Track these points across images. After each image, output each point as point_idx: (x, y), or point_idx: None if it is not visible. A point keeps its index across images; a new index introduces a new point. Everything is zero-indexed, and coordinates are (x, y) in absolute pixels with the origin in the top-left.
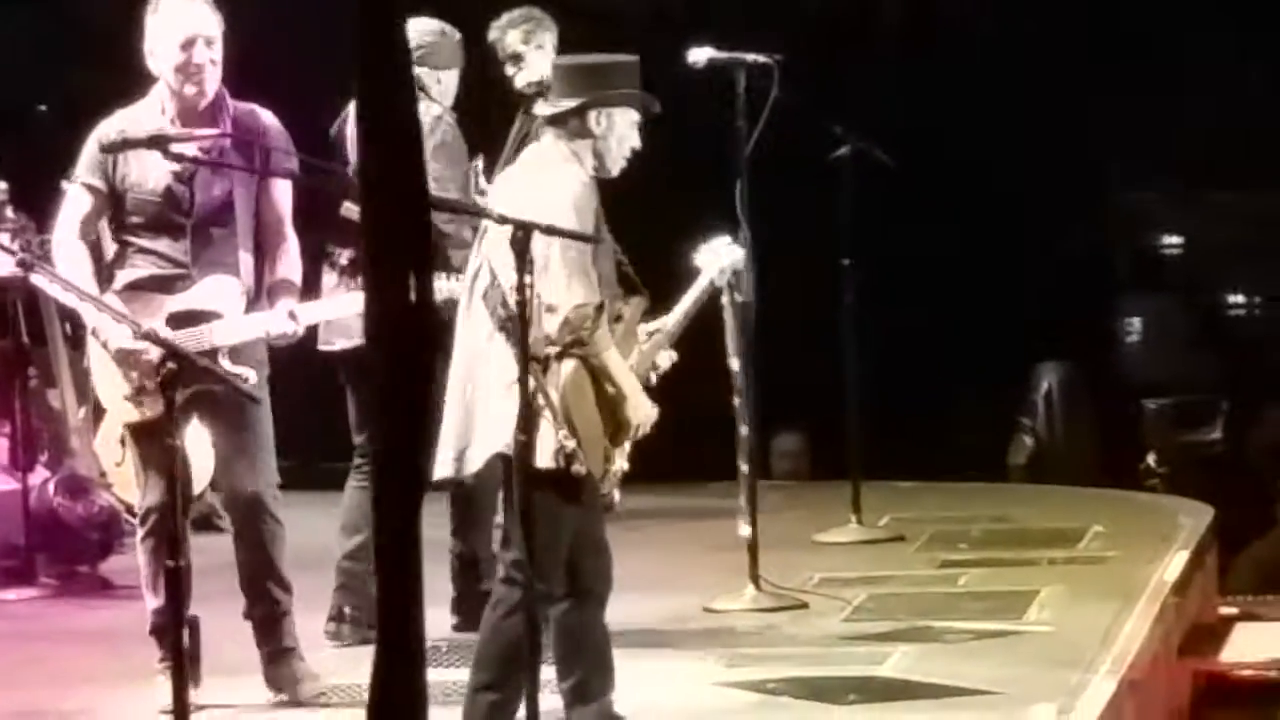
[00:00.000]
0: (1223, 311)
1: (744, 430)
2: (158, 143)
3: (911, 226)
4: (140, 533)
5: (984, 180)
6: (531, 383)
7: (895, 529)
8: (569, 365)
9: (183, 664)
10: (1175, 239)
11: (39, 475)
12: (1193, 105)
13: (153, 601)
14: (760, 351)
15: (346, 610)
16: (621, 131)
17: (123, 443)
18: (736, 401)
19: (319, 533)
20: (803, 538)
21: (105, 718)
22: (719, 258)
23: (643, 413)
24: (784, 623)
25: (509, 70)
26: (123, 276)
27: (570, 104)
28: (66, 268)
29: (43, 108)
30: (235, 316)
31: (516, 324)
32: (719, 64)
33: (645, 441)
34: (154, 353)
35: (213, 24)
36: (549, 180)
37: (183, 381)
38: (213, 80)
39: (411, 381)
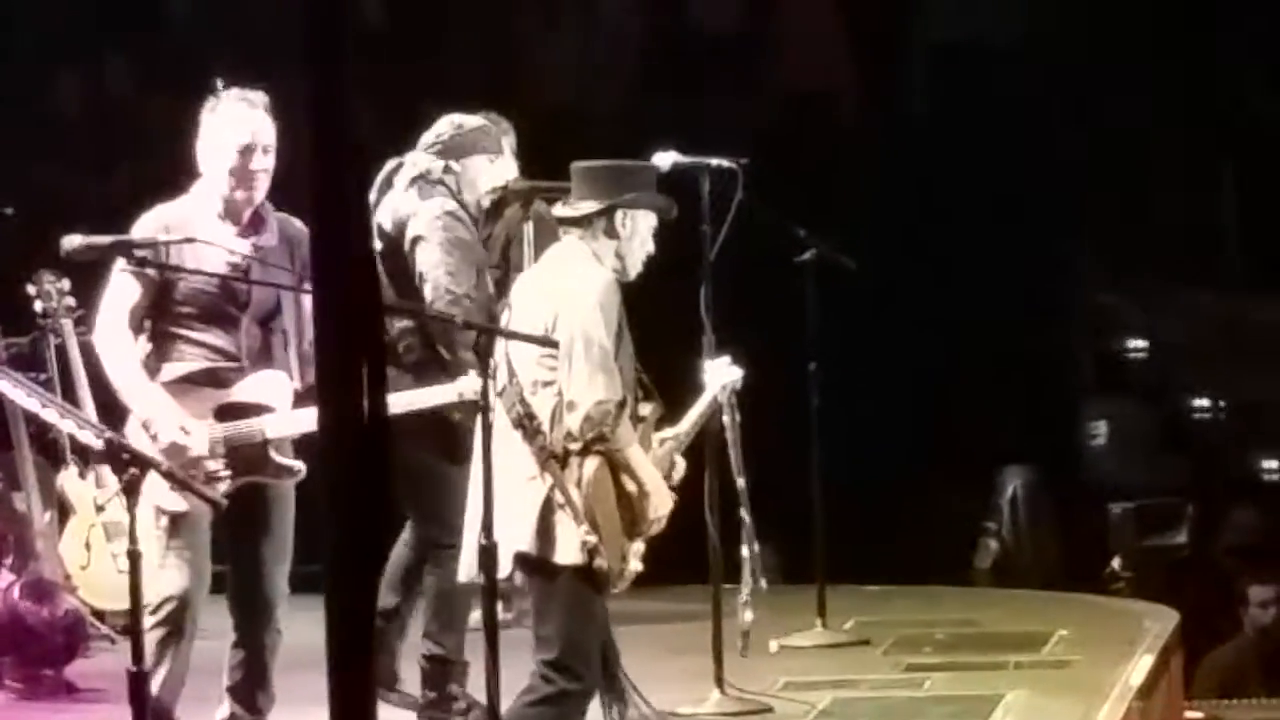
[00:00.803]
0: (1187, 415)
1: (750, 547)
2: (121, 248)
3: (876, 330)
4: (151, 620)
5: (948, 282)
6: (549, 479)
7: (860, 632)
8: (592, 463)
9: None
10: (1139, 342)
11: (3, 579)
12: (1159, 206)
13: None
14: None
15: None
16: (643, 235)
17: (88, 546)
18: (745, 516)
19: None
20: (768, 641)
21: None
22: (721, 375)
23: (666, 507)
24: None
25: None
26: (171, 369)
27: (596, 206)
28: (113, 359)
29: (8, 210)
30: (286, 410)
31: (533, 423)
32: (683, 168)
33: None
34: (201, 448)
35: (271, 132)
36: (574, 280)
37: (235, 473)
38: (263, 188)
39: (362, 496)
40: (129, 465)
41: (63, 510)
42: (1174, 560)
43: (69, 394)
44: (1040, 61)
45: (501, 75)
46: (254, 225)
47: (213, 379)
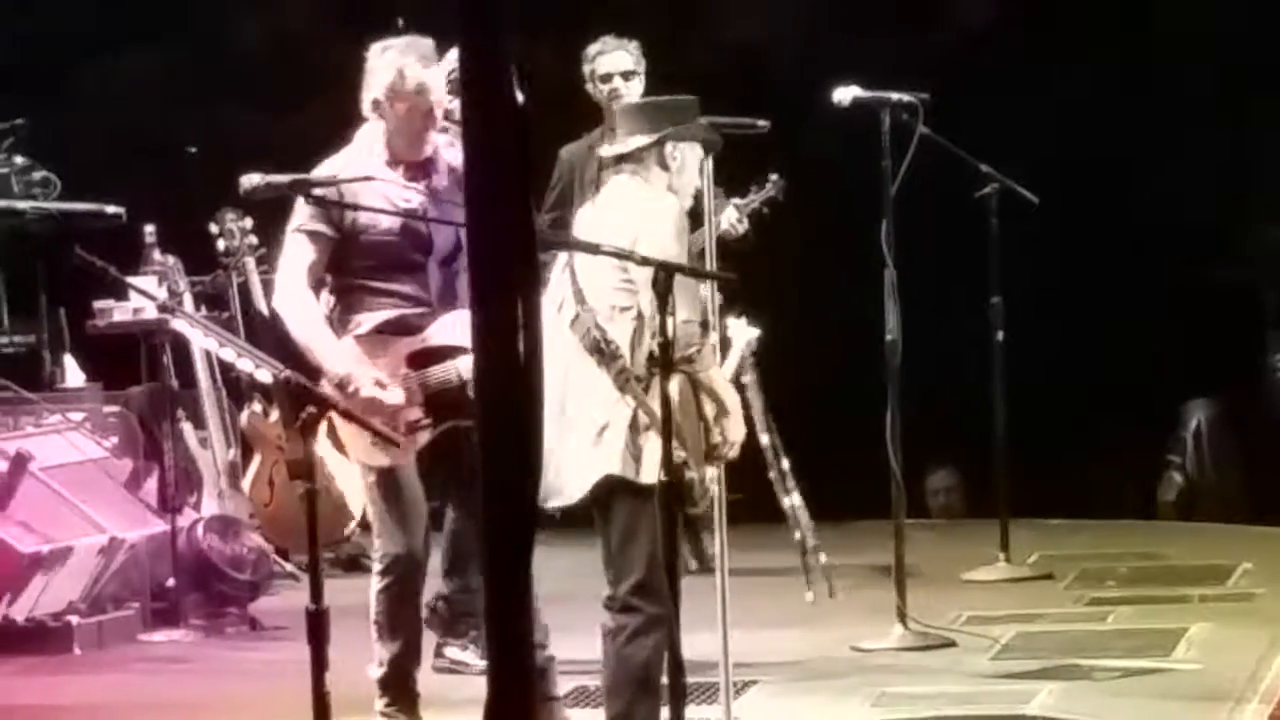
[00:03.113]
0: None
1: (787, 501)
2: (299, 186)
3: (1059, 264)
4: (381, 581)
5: (1131, 215)
6: (631, 400)
7: (1044, 567)
8: (674, 381)
9: (325, 706)
10: None
11: (188, 517)
12: None
13: (384, 651)
14: (912, 387)
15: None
16: (691, 167)
17: (271, 484)
18: (772, 475)
19: None
20: (951, 576)
21: None
22: (743, 334)
23: (741, 432)
24: (931, 661)
25: (614, 85)
26: (364, 320)
27: (645, 140)
28: (298, 320)
29: (192, 149)
30: None
31: (610, 346)
32: (864, 102)
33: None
34: (398, 400)
35: (435, 78)
36: (651, 210)
37: (436, 419)
38: (430, 136)
39: (521, 424)
40: (305, 404)
41: (246, 448)
42: None
43: (251, 332)
44: None
45: (683, 10)
46: (424, 168)
47: (403, 326)
